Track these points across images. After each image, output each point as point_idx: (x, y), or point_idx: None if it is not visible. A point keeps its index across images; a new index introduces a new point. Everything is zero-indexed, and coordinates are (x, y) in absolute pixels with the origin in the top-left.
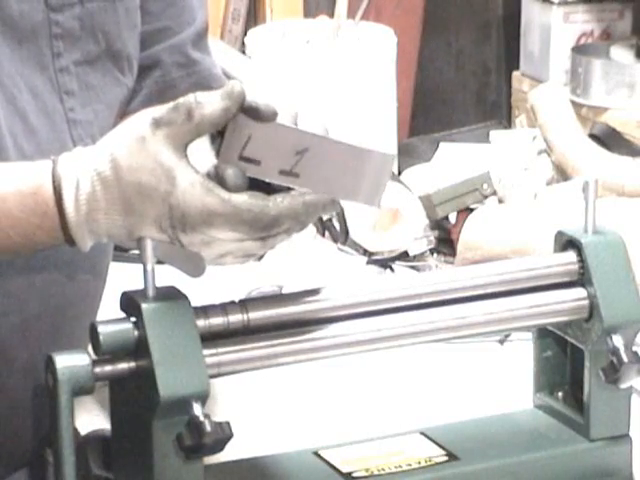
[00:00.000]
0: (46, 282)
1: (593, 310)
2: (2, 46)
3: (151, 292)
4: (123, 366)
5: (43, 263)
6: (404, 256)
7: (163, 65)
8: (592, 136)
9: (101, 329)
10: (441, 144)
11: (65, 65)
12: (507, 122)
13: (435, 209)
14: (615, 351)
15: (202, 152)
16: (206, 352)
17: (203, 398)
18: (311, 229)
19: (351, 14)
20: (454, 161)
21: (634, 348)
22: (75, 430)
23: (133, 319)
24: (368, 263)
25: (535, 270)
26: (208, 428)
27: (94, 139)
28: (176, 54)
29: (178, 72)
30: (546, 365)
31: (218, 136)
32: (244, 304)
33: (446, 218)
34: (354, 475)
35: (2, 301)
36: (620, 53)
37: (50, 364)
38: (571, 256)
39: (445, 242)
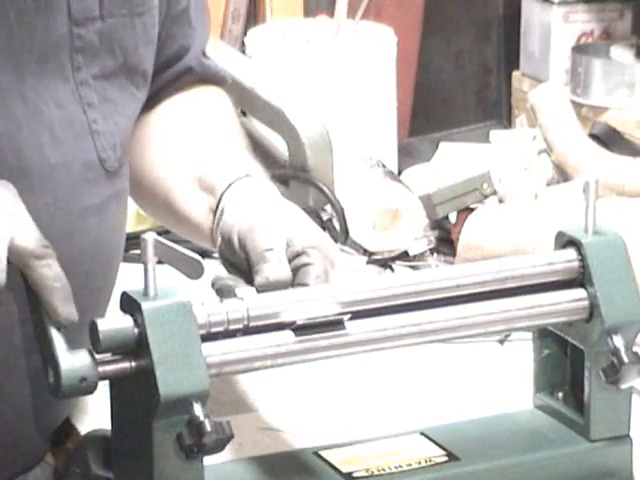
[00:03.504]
0: None
1: (593, 310)
2: (27, 59)
3: (151, 291)
4: (125, 365)
5: None
6: (404, 256)
7: (190, 74)
8: (592, 136)
9: (101, 326)
10: (441, 144)
11: (84, 78)
12: (507, 122)
13: (435, 209)
14: (615, 351)
15: None
16: (206, 352)
17: (203, 398)
18: None
19: (351, 14)
20: (454, 161)
21: (635, 348)
22: (75, 430)
23: (133, 318)
24: (368, 263)
25: (535, 267)
26: (208, 428)
27: (115, 150)
28: (197, 63)
29: (194, 79)
30: (546, 365)
31: None
32: (245, 303)
33: (446, 218)
34: (354, 475)
35: (9, 309)
36: (620, 53)
37: (53, 362)
38: (571, 253)
39: (445, 242)
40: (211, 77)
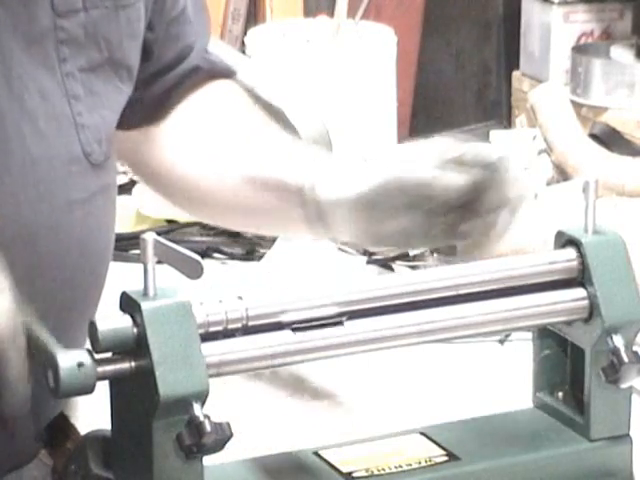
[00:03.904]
0: (50, 288)
1: (593, 310)
2: (13, 49)
3: (151, 291)
4: (124, 365)
5: (48, 269)
6: (404, 256)
7: (198, 73)
8: (592, 136)
9: (100, 325)
10: None
11: (70, 70)
12: (507, 122)
13: None
14: (615, 351)
15: None
16: (206, 352)
17: (203, 398)
18: None
19: (351, 14)
20: None
21: (634, 348)
22: (75, 430)
23: (133, 318)
24: (368, 263)
25: (535, 267)
26: (208, 428)
27: (100, 144)
28: (203, 61)
29: (205, 76)
30: (546, 365)
31: None
32: (244, 303)
33: None
34: (354, 475)
35: None
36: (620, 53)
37: (52, 362)
38: (571, 253)
39: None
40: (219, 72)
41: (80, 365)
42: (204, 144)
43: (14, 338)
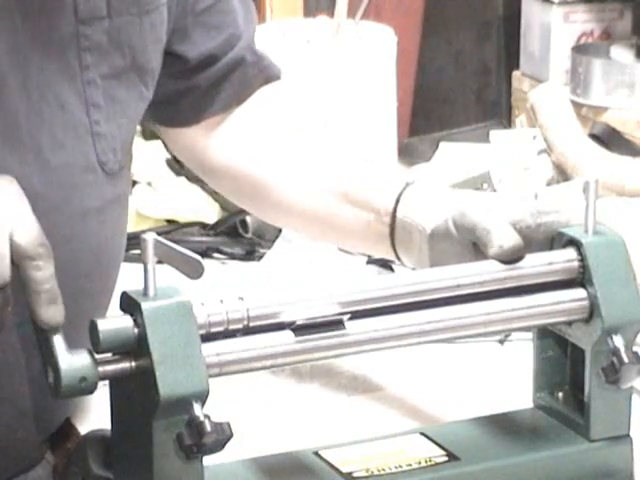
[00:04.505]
0: (63, 295)
1: (594, 310)
2: (32, 57)
3: (151, 291)
4: (124, 365)
5: (62, 277)
6: None
7: (244, 65)
8: (592, 136)
9: (101, 326)
10: (441, 144)
11: (92, 78)
12: (507, 122)
13: None
14: (615, 351)
15: None
16: (206, 352)
17: (203, 398)
18: None
19: (351, 14)
20: (454, 161)
21: (634, 348)
22: (75, 430)
23: (133, 318)
24: (368, 263)
25: (535, 267)
26: (208, 428)
27: (115, 153)
28: (250, 53)
29: (253, 70)
30: (546, 365)
31: None
32: (245, 303)
33: None
34: (354, 475)
35: (17, 313)
36: (620, 53)
37: (53, 363)
38: (571, 253)
39: None
40: (267, 68)
41: (82, 373)
42: (280, 148)
43: (35, 254)
